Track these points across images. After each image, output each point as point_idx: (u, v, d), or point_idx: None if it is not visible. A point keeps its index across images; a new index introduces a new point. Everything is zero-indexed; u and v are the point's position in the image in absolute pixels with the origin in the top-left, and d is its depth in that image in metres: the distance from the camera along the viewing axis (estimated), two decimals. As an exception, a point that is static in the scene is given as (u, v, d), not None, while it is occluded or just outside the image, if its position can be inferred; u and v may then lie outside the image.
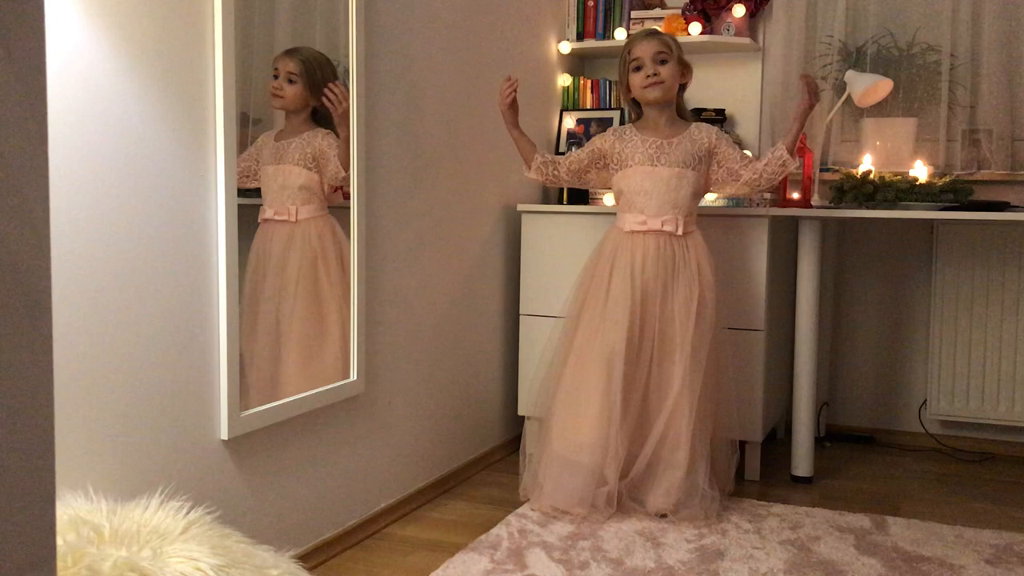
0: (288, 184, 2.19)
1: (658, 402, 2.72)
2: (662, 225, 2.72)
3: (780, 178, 2.77)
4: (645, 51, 2.76)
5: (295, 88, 2.18)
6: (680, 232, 2.73)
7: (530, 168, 2.87)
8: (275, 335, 2.15)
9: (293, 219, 2.20)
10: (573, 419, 2.71)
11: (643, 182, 2.74)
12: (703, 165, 2.78)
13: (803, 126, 2.77)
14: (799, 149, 3.10)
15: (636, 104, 2.85)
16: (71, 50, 1.62)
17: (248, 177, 2.07)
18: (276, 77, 2.14)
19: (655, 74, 2.74)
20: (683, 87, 2.84)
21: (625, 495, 2.69)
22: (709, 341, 2.74)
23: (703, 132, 2.80)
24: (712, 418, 2.76)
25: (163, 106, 1.82)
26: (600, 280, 2.77)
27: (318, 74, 2.23)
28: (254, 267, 2.08)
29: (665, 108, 2.79)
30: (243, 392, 2.04)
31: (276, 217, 2.17)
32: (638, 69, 2.77)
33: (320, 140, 2.25)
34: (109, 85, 1.70)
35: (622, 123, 3.54)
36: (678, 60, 2.77)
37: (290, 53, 2.17)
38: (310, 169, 2.22)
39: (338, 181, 2.31)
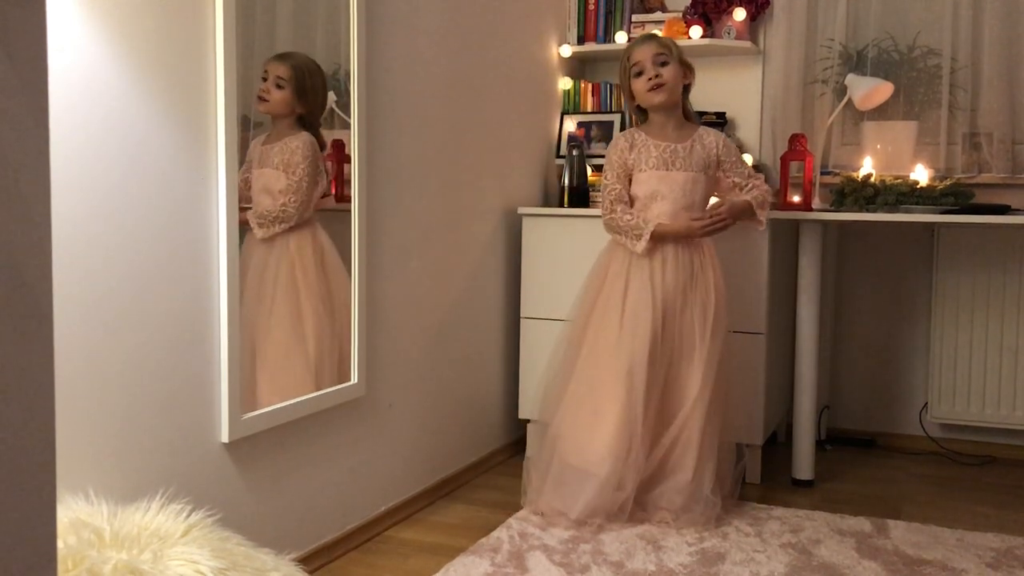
0: (269, 188, 2.17)
1: (673, 407, 2.70)
2: None
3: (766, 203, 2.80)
4: (644, 55, 2.73)
5: (282, 94, 2.16)
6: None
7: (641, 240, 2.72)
8: (251, 341, 2.12)
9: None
10: (588, 431, 2.66)
11: (659, 187, 2.72)
12: (712, 170, 2.78)
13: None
14: (799, 152, 3.10)
15: (642, 111, 2.82)
16: (73, 52, 1.62)
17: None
18: (264, 80, 2.13)
19: (657, 76, 2.71)
20: (687, 88, 2.81)
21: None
22: (721, 346, 2.73)
23: (711, 136, 2.79)
24: (720, 423, 2.75)
25: (164, 108, 1.82)
26: (615, 287, 2.72)
27: (307, 82, 2.21)
28: (241, 272, 2.07)
29: (672, 112, 2.76)
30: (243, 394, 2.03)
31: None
32: (639, 74, 2.73)
33: (295, 144, 2.20)
34: (110, 87, 1.70)
35: (622, 127, 3.54)
36: (679, 61, 2.74)
37: (282, 58, 2.15)
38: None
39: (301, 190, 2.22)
